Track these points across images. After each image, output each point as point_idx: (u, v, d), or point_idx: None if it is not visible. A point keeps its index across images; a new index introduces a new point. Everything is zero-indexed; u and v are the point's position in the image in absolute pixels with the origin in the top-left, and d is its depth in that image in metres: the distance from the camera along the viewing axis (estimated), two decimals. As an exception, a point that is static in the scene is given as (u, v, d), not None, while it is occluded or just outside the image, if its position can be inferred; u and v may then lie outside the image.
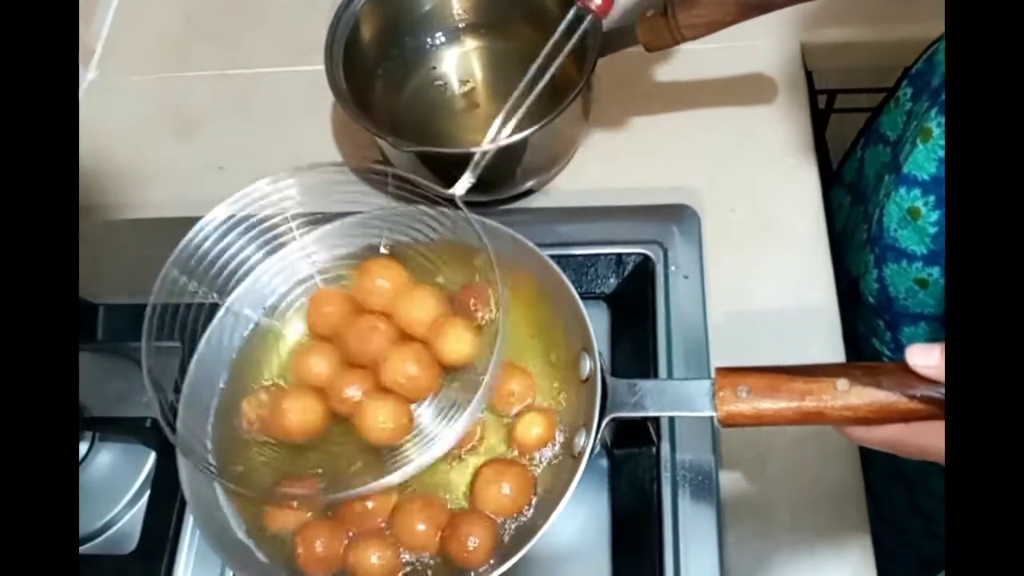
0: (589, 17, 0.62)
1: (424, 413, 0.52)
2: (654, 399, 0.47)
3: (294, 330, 0.57)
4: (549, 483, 0.50)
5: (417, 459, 0.47)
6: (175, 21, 0.86)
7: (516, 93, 0.60)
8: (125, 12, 0.87)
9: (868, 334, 0.70)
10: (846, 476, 0.58)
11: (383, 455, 0.51)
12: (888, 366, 0.44)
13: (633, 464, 0.58)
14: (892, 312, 0.66)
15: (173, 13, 0.86)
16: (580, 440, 0.49)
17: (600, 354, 0.50)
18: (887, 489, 0.73)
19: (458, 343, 0.52)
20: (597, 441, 0.47)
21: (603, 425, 0.47)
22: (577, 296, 0.50)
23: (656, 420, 0.57)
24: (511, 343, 0.52)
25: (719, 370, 0.46)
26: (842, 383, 0.43)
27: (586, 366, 0.50)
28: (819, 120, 0.82)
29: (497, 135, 0.60)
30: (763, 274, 0.66)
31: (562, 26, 0.62)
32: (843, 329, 0.64)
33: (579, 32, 0.62)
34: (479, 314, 0.54)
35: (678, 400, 0.47)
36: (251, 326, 0.56)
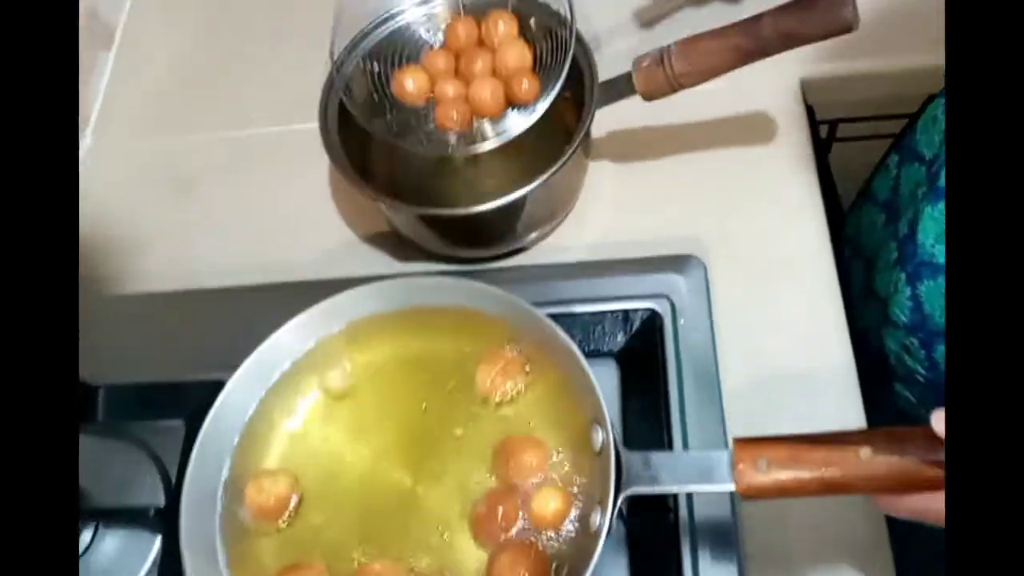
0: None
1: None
2: (671, 473, 0.46)
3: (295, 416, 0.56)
4: (565, 558, 0.49)
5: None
6: (170, 81, 0.85)
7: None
8: (119, 76, 0.87)
9: (900, 353, 0.68)
10: (871, 532, 0.56)
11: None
12: (913, 432, 0.42)
13: (651, 529, 0.56)
14: (926, 330, 0.65)
15: (168, 73, 0.86)
16: (596, 517, 0.47)
17: (612, 425, 0.48)
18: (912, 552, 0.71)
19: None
20: (614, 519, 0.46)
21: (619, 502, 0.46)
22: (588, 367, 0.49)
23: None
24: (523, 414, 0.52)
25: (737, 441, 0.45)
26: (865, 452, 0.42)
27: (598, 438, 0.49)
28: (821, 150, 0.81)
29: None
30: (773, 321, 0.64)
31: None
32: (872, 348, 0.62)
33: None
34: (500, 389, 0.53)
35: (696, 473, 0.45)
36: (253, 408, 0.55)
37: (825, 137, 0.86)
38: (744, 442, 0.44)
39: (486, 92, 0.66)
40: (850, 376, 0.62)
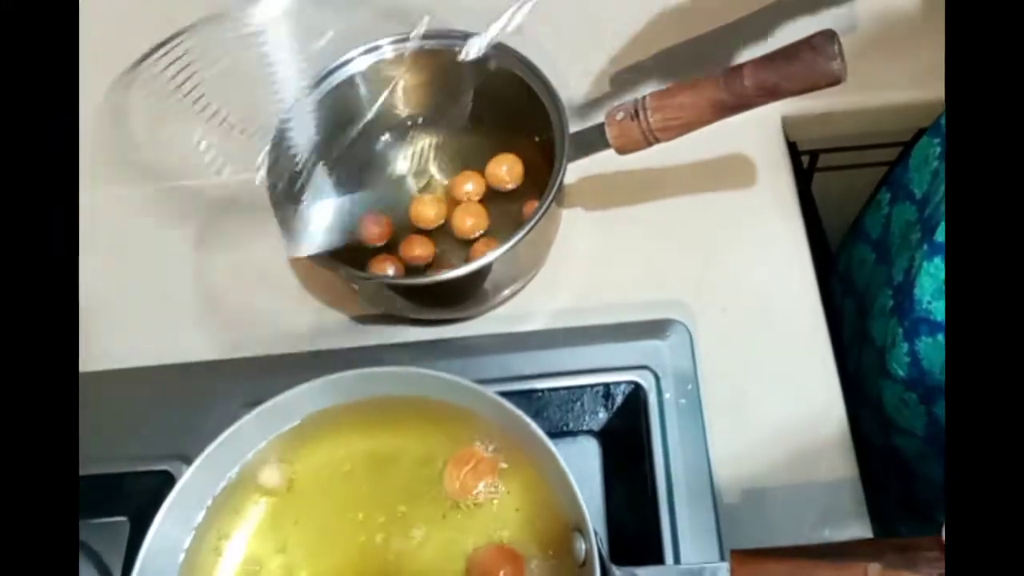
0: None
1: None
2: (662, 593, 0.43)
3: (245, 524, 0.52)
4: None
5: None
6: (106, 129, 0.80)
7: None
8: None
9: (898, 406, 0.66)
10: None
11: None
12: (922, 543, 0.39)
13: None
14: (926, 386, 0.63)
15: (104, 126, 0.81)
16: (581, 641, 0.44)
17: (596, 533, 0.45)
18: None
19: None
20: (600, 644, 0.42)
21: (606, 626, 0.42)
22: (567, 469, 0.45)
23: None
24: (496, 520, 0.48)
25: (735, 556, 0.42)
26: (873, 569, 0.39)
27: (581, 548, 0.45)
28: (803, 181, 0.79)
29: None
30: (762, 379, 0.62)
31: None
32: (870, 397, 0.58)
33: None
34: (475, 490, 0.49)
35: (690, 593, 0.42)
36: (190, 539, 0.50)
37: (807, 167, 0.83)
38: (743, 556, 0.41)
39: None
40: (842, 428, 0.60)
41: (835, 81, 0.53)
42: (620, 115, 0.59)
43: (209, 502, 0.51)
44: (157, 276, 0.72)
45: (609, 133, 0.60)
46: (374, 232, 0.67)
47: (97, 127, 0.71)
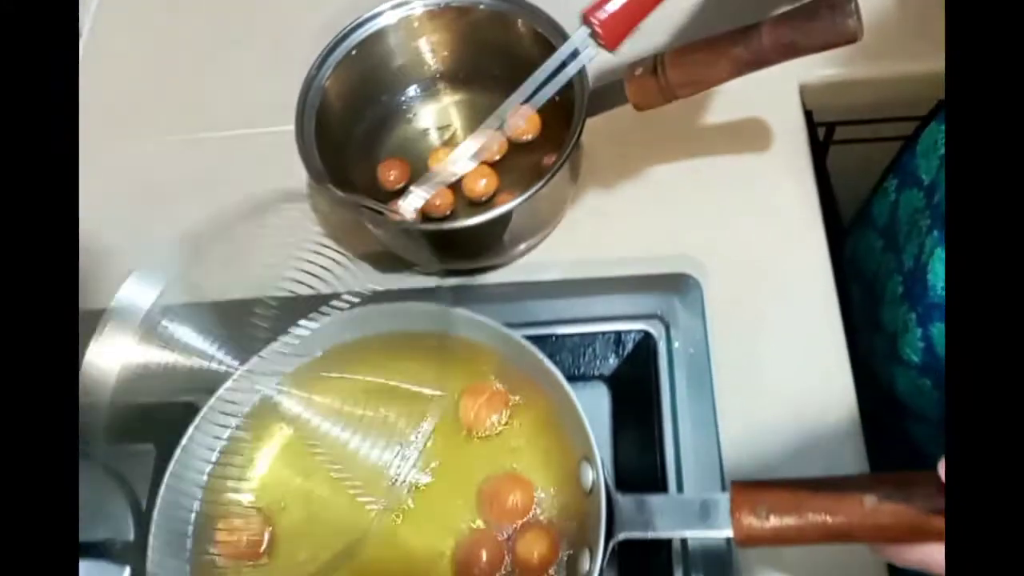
0: (589, 49, 0.59)
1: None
2: (665, 517, 0.45)
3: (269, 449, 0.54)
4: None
5: None
6: (138, 83, 0.83)
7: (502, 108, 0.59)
8: (85, 77, 0.84)
9: (911, 392, 0.67)
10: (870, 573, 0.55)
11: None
12: (919, 478, 0.41)
13: (643, 567, 0.55)
14: (940, 371, 0.64)
15: (135, 75, 0.83)
16: (585, 562, 0.46)
17: (603, 463, 0.47)
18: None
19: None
20: (604, 565, 0.44)
21: (609, 547, 0.44)
22: (577, 401, 0.48)
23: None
24: (507, 450, 0.50)
25: (735, 486, 0.43)
26: (870, 500, 0.41)
27: (588, 477, 0.47)
28: (818, 153, 0.80)
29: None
30: (770, 340, 0.63)
31: (564, 48, 0.59)
32: (881, 383, 0.60)
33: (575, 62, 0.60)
34: (488, 421, 0.51)
35: (692, 518, 0.44)
36: (225, 440, 0.53)
37: (822, 140, 0.85)
38: (743, 486, 0.43)
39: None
40: (849, 395, 0.61)
41: (852, 39, 0.54)
42: (639, 71, 0.60)
43: (236, 423, 0.53)
44: (185, 220, 0.74)
45: (627, 89, 0.61)
46: (392, 176, 0.69)
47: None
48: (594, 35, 0.58)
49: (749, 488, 0.43)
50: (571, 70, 0.59)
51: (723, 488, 0.54)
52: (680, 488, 0.54)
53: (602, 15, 0.56)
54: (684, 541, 0.54)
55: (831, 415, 0.60)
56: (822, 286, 0.65)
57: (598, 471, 0.46)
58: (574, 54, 0.61)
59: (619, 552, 0.56)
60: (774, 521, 0.42)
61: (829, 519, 0.41)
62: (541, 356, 0.50)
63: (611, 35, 0.57)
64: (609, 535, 0.45)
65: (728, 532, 0.43)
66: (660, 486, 0.54)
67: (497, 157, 0.70)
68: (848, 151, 0.86)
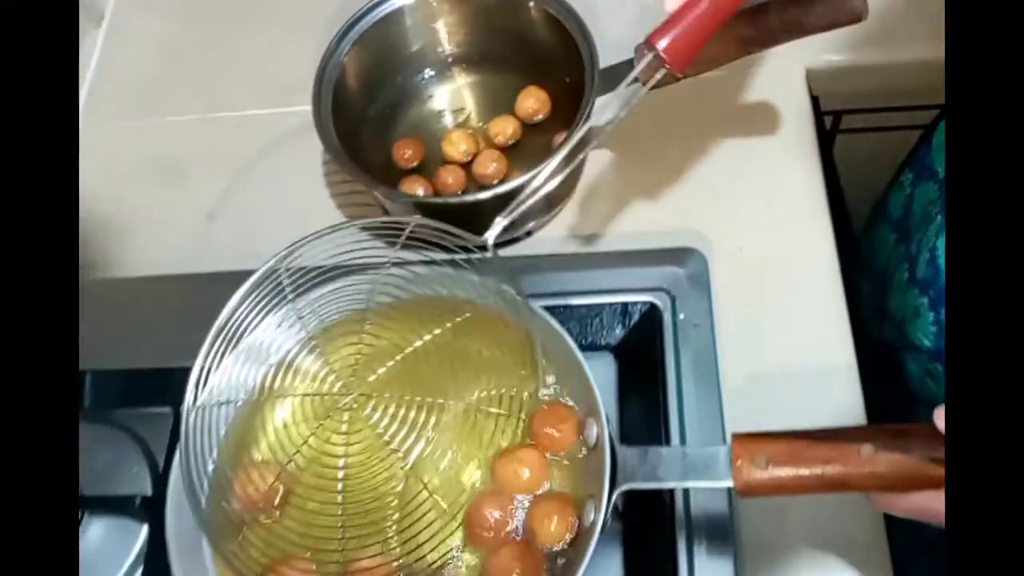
0: (661, 72, 0.55)
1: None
2: (667, 468, 0.46)
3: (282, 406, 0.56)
4: (559, 554, 0.49)
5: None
6: (158, 62, 0.85)
7: (563, 150, 0.56)
8: (107, 57, 0.86)
9: (923, 377, 0.68)
10: (869, 532, 0.56)
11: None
12: (916, 428, 0.42)
13: (646, 524, 0.56)
14: None
15: (156, 54, 0.86)
16: (590, 513, 0.47)
17: (608, 419, 0.48)
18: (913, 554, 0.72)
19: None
20: (608, 515, 0.46)
21: (614, 497, 0.46)
22: (581, 356, 0.49)
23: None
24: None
25: (736, 437, 0.45)
26: (867, 449, 0.42)
27: (592, 433, 0.49)
28: (825, 142, 0.81)
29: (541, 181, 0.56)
30: (775, 317, 0.64)
31: (632, 75, 0.56)
32: (891, 369, 0.61)
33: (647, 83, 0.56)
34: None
35: (693, 469, 0.46)
36: (244, 395, 0.55)
37: (829, 128, 0.86)
38: (743, 437, 0.45)
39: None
40: (852, 373, 0.62)
41: (856, 18, 0.56)
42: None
43: (256, 379, 0.55)
44: (202, 195, 0.77)
45: (637, 66, 0.63)
46: (407, 154, 0.71)
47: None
48: (658, 58, 0.54)
49: (749, 439, 0.44)
50: (642, 92, 0.56)
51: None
52: (683, 444, 0.56)
53: (666, 43, 0.53)
54: (687, 503, 0.55)
55: (833, 387, 0.61)
56: (826, 264, 0.67)
57: (602, 425, 0.48)
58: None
59: (624, 517, 0.58)
60: (773, 471, 0.43)
61: (827, 468, 0.42)
62: (548, 317, 0.52)
63: (678, 58, 0.53)
64: (613, 485, 0.46)
65: (728, 482, 0.44)
66: (664, 444, 0.55)
67: (512, 141, 0.72)
68: (855, 140, 0.88)
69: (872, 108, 0.83)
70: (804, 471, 0.43)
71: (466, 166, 0.72)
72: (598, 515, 0.46)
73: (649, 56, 0.54)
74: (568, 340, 0.51)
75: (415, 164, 0.72)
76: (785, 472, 0.43)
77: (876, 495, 0.43)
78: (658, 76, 0.55)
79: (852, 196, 0.89)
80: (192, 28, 0.87)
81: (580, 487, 0.50)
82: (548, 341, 0.52)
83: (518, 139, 0.72)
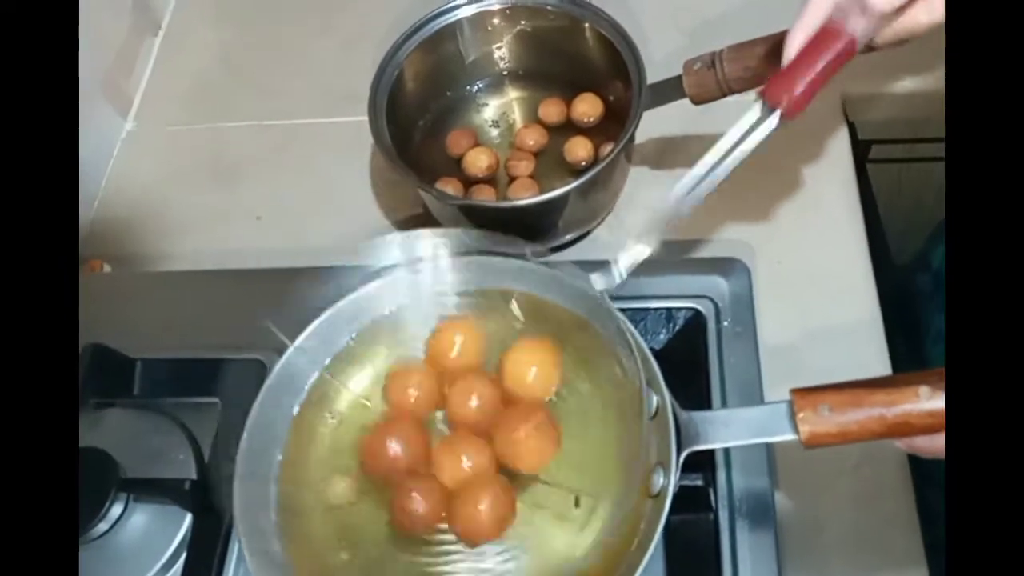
0: (770, 119, 0.57)
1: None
2: (730, 429, 0.48)
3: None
4: (626, 532, 0.50)
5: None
6: (214, 70, 0.91)
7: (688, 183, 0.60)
8: (164, 62, 0.92)
9: None
10: (906, 539, 0.59)
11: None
12: None
13: (690, 525, 0.58)
14: None
15: (212, 62, 0.92)
16: (659, 480, 0.49)
17: (667, 388, 0.51)
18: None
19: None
20: (678, 478, 0.48)
21: (681, 460, 0.48)
22: (630, 325, 0.53)
23: (711, 463, 0.59)
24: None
25: (795, 391, 0.46)
26: (924, 390, 0.44)
27: (652, 402, 0.51)
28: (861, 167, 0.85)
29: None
30: (813, 330, 0.67)
31: (746, 126, 0.58)
32: None
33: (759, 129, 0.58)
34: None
35: (756, 427, 0.48)
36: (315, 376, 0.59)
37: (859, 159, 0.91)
38: (803, 391, 0.46)
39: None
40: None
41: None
42: (697, 65, 0.66)
43: (326, 360, 0.59)
44: (253, 198, 0.81)
45: (686, 82, 0.66)
46: (462, 144, 0.76)
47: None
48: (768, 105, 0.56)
49: (809, 392, 0.46)
50: (757, 136, 0.58)
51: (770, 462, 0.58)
52: (727, 454, 0.58)
53: (788, 100, 0.55)
54: (730, 485, 0.57)
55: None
56: (860, 271, 0.70)
57: (662, 392, 0.50)
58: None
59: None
60: (837, 419, 0.45)
61: (888, 412, 0.44)
62: (610, 304, 0.55)
63: (795, 109, 0.55)
64: (680, 448, 0.48)
65: (793, 435, 0.46)
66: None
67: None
68: (882, 172, 0.92)
69: (902, 139, 0.88)
70: (866, 416, 0.44)
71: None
72: (668, 480, 0.48)
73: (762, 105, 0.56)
74: (619, 316, 0.54)
75: (462, 153, 0.76)
76: (849, 418, 0.45)
77: (921, 443, 0.45)
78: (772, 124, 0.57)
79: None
80: (248, 38, 0.93)
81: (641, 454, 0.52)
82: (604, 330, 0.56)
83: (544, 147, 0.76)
